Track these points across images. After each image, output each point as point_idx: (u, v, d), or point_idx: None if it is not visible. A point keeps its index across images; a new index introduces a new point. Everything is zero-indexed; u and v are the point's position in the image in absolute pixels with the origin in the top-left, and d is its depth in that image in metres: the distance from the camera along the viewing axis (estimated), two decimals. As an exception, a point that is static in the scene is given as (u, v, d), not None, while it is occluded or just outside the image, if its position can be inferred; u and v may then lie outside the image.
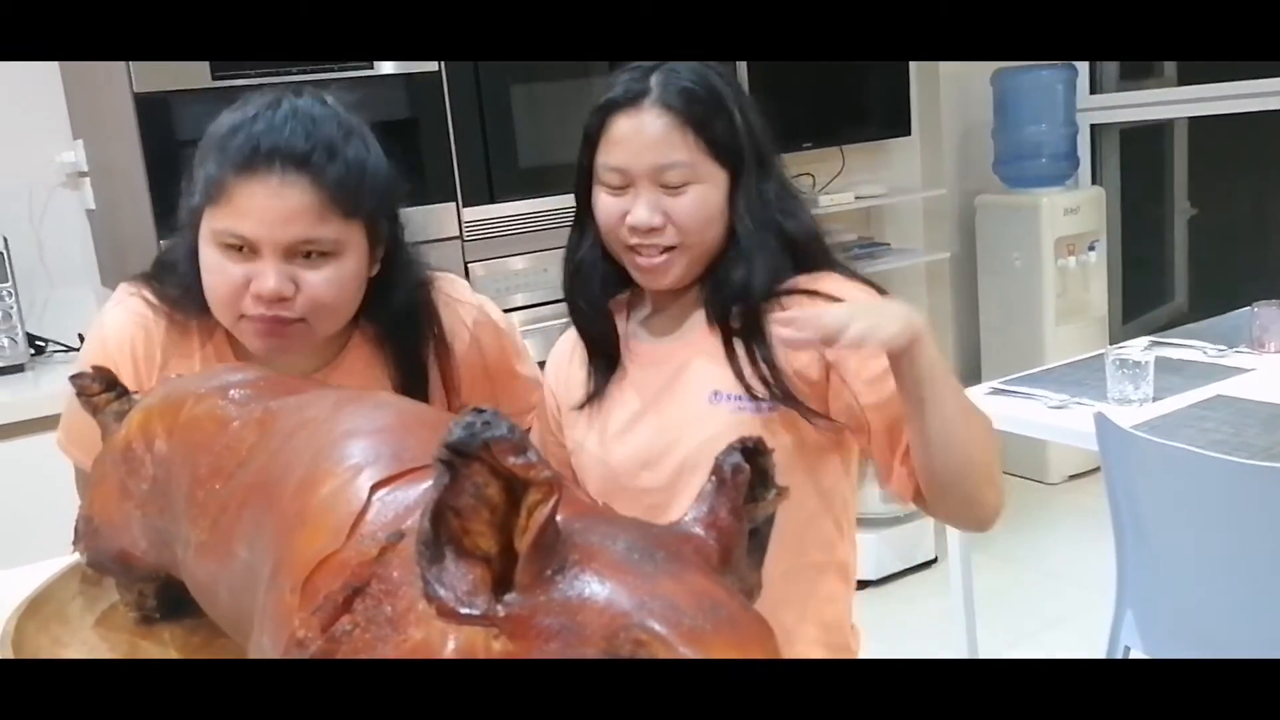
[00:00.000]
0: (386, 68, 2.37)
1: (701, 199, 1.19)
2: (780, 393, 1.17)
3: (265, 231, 1.10)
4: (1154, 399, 2.01)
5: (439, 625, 0.53)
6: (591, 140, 1.23)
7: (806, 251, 1.23)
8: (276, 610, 0.61)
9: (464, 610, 0.50)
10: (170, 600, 1.00)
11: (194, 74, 2.15)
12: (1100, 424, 1.79)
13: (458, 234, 2.48)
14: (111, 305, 1.27)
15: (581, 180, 1.26)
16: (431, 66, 2.41)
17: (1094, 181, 3.95)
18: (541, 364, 1.43)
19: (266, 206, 1.09)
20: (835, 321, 1.05)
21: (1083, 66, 3.83)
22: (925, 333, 1.08)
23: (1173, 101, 4.01)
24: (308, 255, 1.12)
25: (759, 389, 1.18)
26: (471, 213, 2.49)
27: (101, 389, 1.09)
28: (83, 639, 0.98)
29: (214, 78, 2.16)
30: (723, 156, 1.19)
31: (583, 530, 0.53)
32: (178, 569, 0.89)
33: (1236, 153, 4.53)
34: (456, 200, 2.47)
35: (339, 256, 1.14)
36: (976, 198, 3.80)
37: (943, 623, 2.35)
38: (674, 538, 0.55)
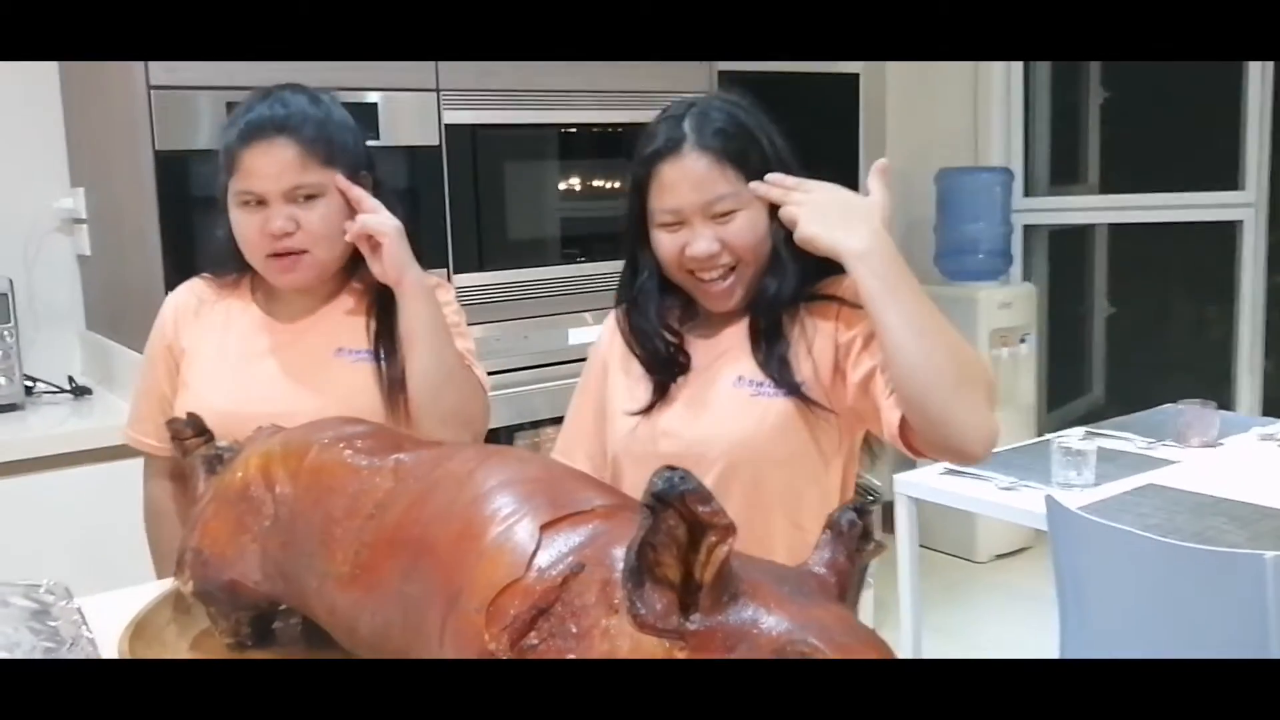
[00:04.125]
0: (389, 139, 2.51)
1: (750, 222, 1.34)
2: (787, 384, 1.33)
3: (266, 184, 1.46)
4: (1094, 485, 2.21)
5: (621, 641, 0.66)
6: (641, 188, 1.38)
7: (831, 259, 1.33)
8: (462, 628, 0.73)
9: (660, 625, 0.63)
10: (260, 630, 1.11)
11: (212, 136, 2.26)
12: (1050, 505, 1.98)
13: (448, 299, 2.60)
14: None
15: (632, 224, 1.41)
16: (433, 140, 2.56)
17: (1025, 278, 4.23)
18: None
19: (264, 165, 1.46)
20: (792, 216, 1.26)
21: (1018, 170, 4.12)
22: (877, 249, 1.21)
23: (1098, 209, 4.33)
24: (302, 199, 1.47)
25: (774, 378, 1.33)
26: (461, 279, 2.62)
27: (193, 434, 1.20)
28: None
29: (231, 140, 2.27)
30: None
31: (742, 567, 0.66)
32: (296, 598, 0.99)
33: (1150, 258, 4.87)
34: (448, 267, 2.60)
35: (325, 197, 1.49)
36: (918, 288, 4.03)
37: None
38: (808, 576, 0.69)
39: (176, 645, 1.10)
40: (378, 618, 0.86)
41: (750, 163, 1.34)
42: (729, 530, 0.64)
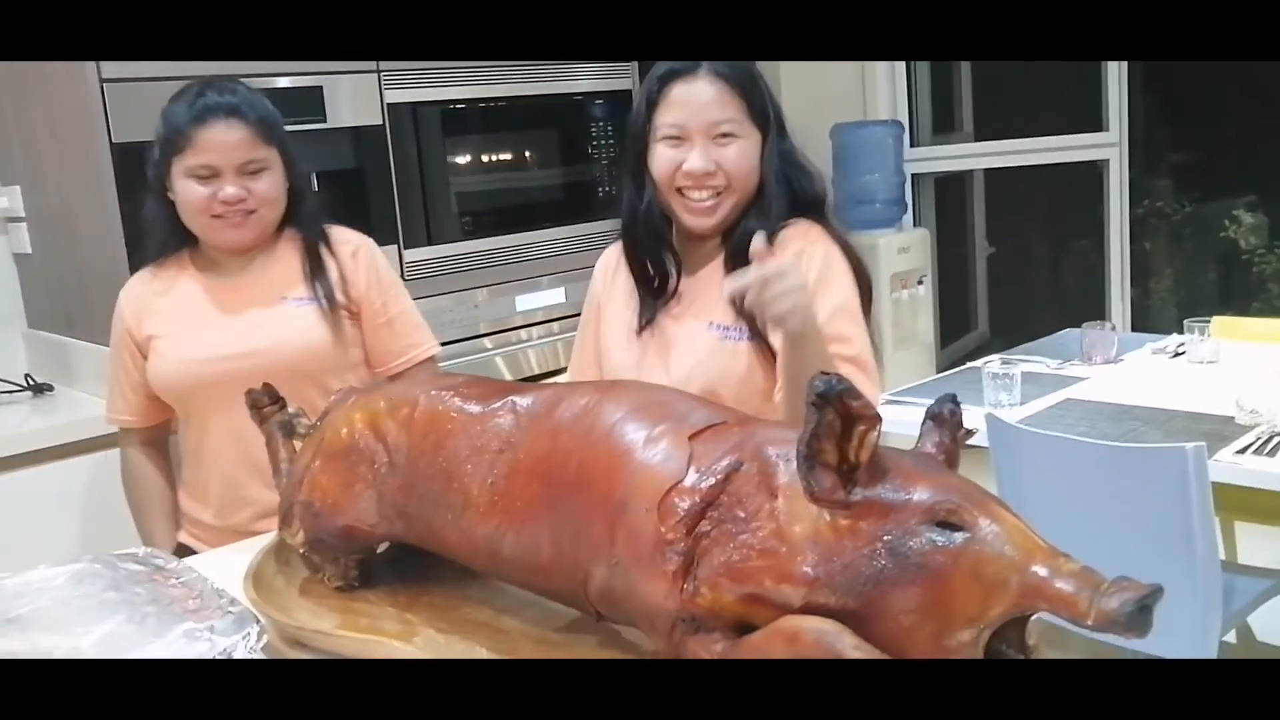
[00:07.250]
0: (335, 121, 2.56)
1: (744, 150, 1.49)
2: (752, 328, 1.49)
3: (221, 158, 1.70)
4: (1021, 404, 2.44)
5: (786, 519, 0.81)
6: (651, 103, 1.51)
7: (810, 206, 1.52)
8: (636, 527, 0.86)
9: (831, 498, 0.78)
10: (365, 572, 1.21)
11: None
12: (990, 422, 2.19)
13: (399, 273, 2.67)
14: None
15: (637, 141, 1.54)
16: (376, 120, 2.62)
17: (916, 224, 4.49)
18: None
19: (221, 141, 1.70)
20: (741, 287, 1.36)
21: (905, 121, 4.36)
22: (805, 330, 1.33)
23: (973, 155, 4.61)
24: (250, 172, 1.73)
25: (743, 322, 1.49)
26: (411, 254, 2.70)
27: (269, 402, 1.30)
28: (298, 604, 1.17)
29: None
30: (758, 119, 1.50)
31: (883, 453, 0.81)
32: (419, 534, 1.11)
33: (1024, 199, 5.21)
34: (398, 242, 2.68)
35: (270, 169, 1.76)
36: (820, 239, 4.24)
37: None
38: (927, 457, 0.85)
39: (287, 592, 1.20)
40: (523, 538, 0.98)
41: (754, 100, 1.49)
42: (876, 419, 0.79)
